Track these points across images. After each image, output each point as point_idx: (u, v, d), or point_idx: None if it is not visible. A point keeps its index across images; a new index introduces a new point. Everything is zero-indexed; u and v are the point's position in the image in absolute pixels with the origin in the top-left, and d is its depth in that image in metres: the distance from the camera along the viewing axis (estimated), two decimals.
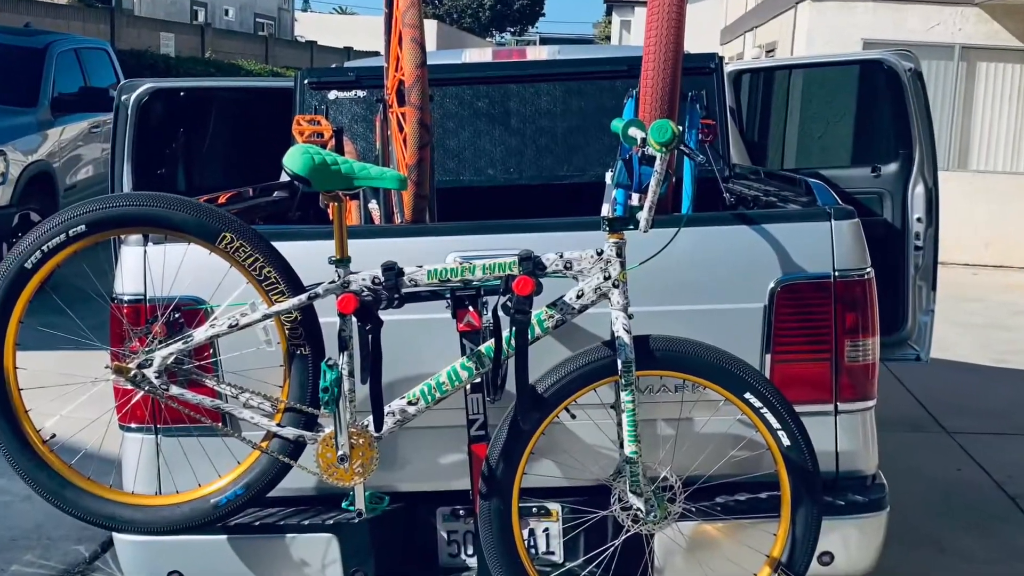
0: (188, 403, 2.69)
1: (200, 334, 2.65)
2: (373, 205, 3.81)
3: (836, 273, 2.83)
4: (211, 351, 2.81)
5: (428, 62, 3.14)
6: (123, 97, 4.48)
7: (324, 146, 3.83)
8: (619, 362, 2.61)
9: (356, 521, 2.81)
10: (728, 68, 4.74)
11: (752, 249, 2.83)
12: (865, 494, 2.95)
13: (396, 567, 2.95)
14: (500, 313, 2.61)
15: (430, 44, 3.54)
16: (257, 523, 2.89)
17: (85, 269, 3.10)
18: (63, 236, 2.59)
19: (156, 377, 2.65)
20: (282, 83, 4.98)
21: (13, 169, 8.44)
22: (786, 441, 2.68)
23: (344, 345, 2.63)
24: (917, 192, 4.49)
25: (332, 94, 4.46)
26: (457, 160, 4.44)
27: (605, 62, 4.61)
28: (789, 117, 5.17)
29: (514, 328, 2.58)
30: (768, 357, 2.85)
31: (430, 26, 33.65)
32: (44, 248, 2.59)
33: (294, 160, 2.55)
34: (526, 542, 2.86)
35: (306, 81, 4.48)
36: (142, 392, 2.68)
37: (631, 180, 3.34)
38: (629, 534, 2.75)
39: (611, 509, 2.76)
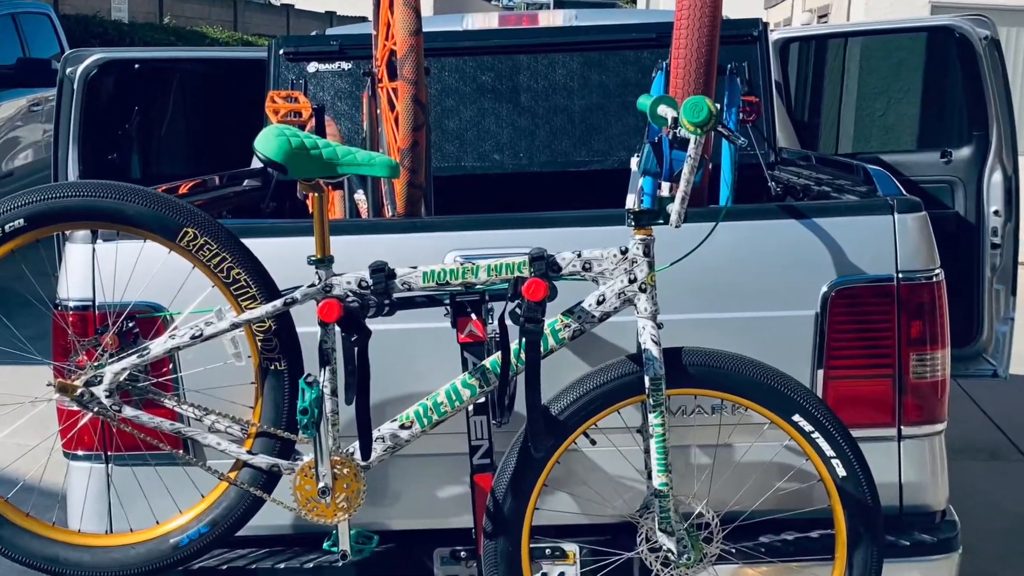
0: (144, 427, 2.69)
1: (158, 346, 2.65)
2: (360, 196, 3.82)
3: (900, 275, 2.83)
4: (171, 366, 2.82)
5: (424, 29, 3.14)
6: (68, 70, 4.50)
7: (303, 127, 3.84)
8: (647, 379, 2.61)
9: (340, 564, 2.81)
10: (773, 36, 4.75)
11: (802, 247, 2.84)
12: (933, 533, 2.95)
13: None
14: (508, 322, 2.61)
15: (426, 8, 3.54)
16: (224, 567, 2.90)
17: (24, 271, 3.10)
18: None
19: (107, 396, 2.65)
20: (254, 53, 5.00)
21: None
22: (841, 471, 2.68)
23: (326, 359, 2.63)
24: (994, 180, 4.49)
25: (312, 66, 4.48)
26: (457, 143, 4.44)
27: (630, 29, 4.63)
28: (845, 93, 5.17)
29: (524, 339, 2.58)
30: (820, 373, 2.86)
31: None
32: None
33: (267, 143, 2.55)
34: None
35: (282, 51, 4.49)
36: (90, 414, 2.68)
37: (660, 167, 3.35)
38: None
39: (637, 551, 2.76)
